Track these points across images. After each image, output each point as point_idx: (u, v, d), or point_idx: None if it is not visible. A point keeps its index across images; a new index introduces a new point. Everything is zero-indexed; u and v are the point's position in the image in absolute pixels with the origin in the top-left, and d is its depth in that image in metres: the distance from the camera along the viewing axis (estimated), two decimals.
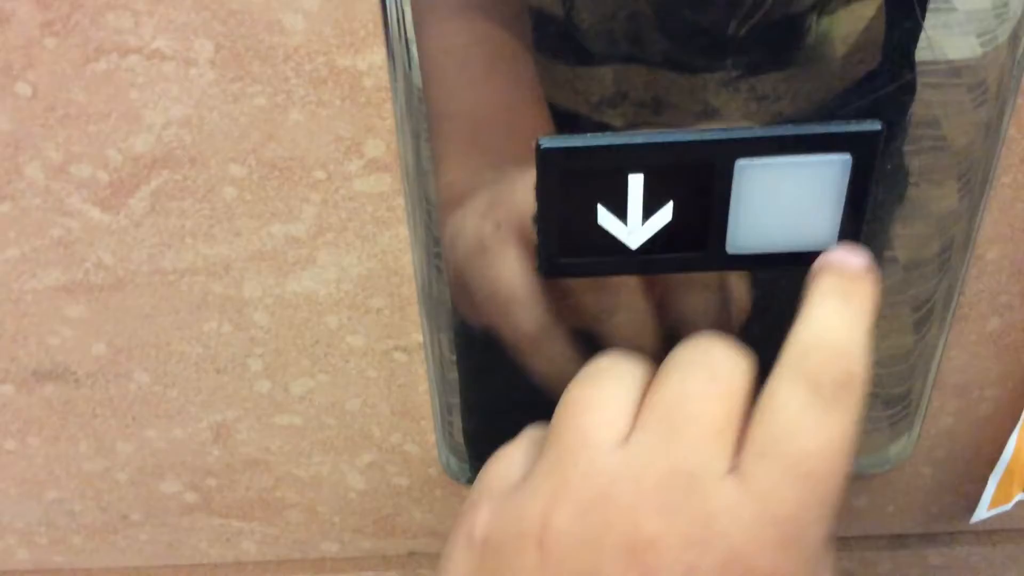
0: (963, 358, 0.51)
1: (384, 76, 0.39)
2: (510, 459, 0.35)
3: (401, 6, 0.37)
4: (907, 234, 0.45)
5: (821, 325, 0.32)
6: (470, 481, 0.53)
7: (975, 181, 0.44)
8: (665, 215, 0.41)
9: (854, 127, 0.40)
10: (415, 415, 0.51)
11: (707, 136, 0.40)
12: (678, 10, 0.37)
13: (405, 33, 0.37)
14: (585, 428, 0.31)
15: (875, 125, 0.40)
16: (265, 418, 0.51)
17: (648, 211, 0.41)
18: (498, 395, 0.49)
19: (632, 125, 0.42)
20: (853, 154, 0.40)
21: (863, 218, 0.42)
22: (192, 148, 0.41)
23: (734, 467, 0.29)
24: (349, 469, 0.53)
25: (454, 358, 0.48)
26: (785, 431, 0.29)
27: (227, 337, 0.47)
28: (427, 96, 0.39)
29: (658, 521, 0.28)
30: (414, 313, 0.46)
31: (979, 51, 0.40)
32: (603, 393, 0.32)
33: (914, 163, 0.44)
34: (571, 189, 0.41)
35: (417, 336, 0.47)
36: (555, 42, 0.38)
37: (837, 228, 0.42)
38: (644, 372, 0.33)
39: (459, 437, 0.51)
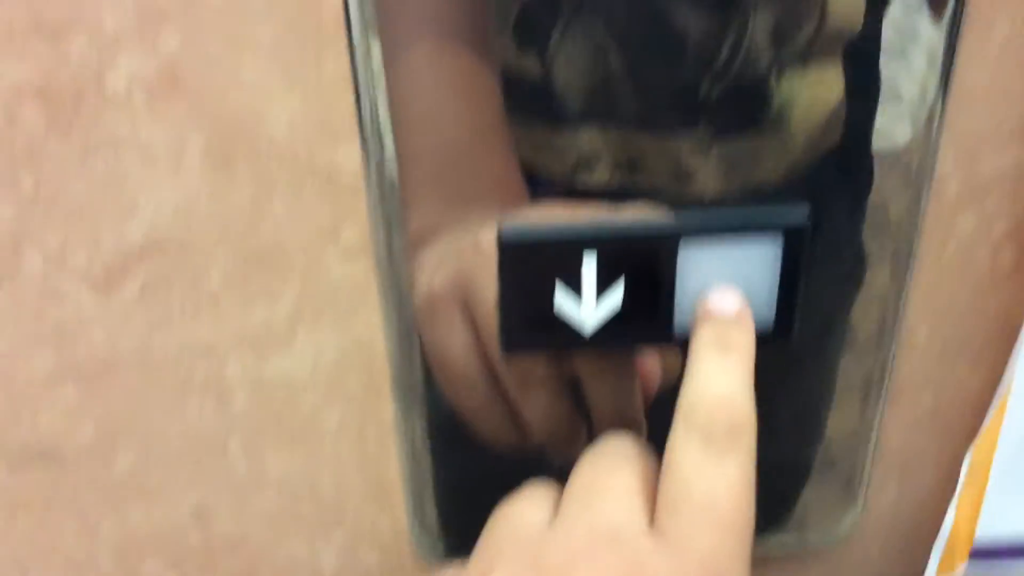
0: (901, 436, 0.54)
1: (360, 168, 0.43)
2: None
3: (374, 103, 0.41)
4: (844, 296, 0.49)
5: (704, 379, 0.35)
6: (442, 559, 0.55)
7: (902, 263, 0.48)
8: (616, 297, 0.45)
9: (784, 211, 0.44)
10: (388, 493, 0.53)
11: (653, 222, 0.43)
12: (653, 70, 0.40)
13: (378, 128, 0.41)
14: (514, 517, 0.34)
15: (803, 209, 0.43)
16: (243, 498, 0.53)
17: (600, 292, 0.45)
18: (471, 473, 0.52)
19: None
20: (784, 237, 0.44)
21: (797, 297, 0.46)
22: (181, 238, 0.44)
23: (652, 523, 0.32)
24: (323, 548, 0.55)
25: (426, 437, 0.51)
26: (688, 482, 0.32)
27: (209, 418, 0.50)
28: (399, 146, 0.41)
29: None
30: (388, 393, 0.49)
31: (910, 135, 0.44)
32: (526, 494, 0.35)
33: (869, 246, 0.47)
34: (529, 273, 0.44)
35: (390, 416, 0.50)
36: (532, 102, 0.40)
37: (774, 309, 0.46)
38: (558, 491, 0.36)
39: (431, 515, 0.54)
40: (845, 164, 0.44)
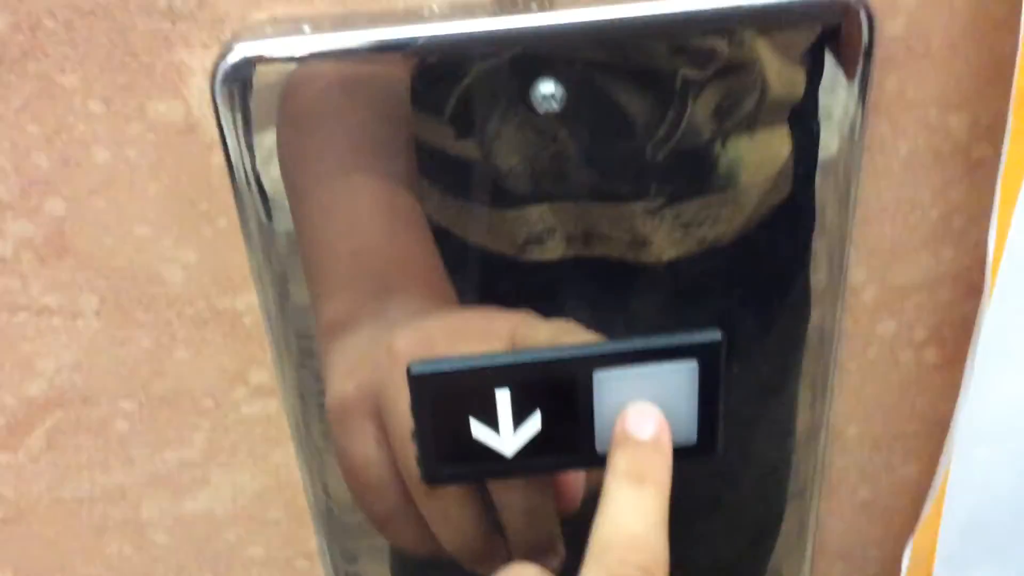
0: (840, 526, 0.53)
1: (260, 314, 0.42)
2: None
3: (266, 253, 0.40)
4: (766, 395, 0.48)
5: (618, 515, 0.34)
6: None
7: (824, 367, 0.47)
8: (534, 425, 0.44)
9: (697, 337, 0.43)
10: None
11: (564, 354, 0.43)
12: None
13: (272, 275, 0.40)
14: None
15: (715, 335, 0.43)
16: None
17: (518, 422, 0.44)
18: None
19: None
20: (699, 360, 0.43)
21: (718, 415, 0.45)
22: (83, 389, 0.43)
23: None
24: None
25: (350, 565, 0.50)
26: None
27: (129, 558, 0.49)
28: (301, 244, 0.39)
29: None
30: (310, 524, 0.48)
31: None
32: None
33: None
34: (444, 407, 0.43)
35: (315, 541, 0.49)
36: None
37: (695, 425, 0.45)
38: None
39: None
40: (794, 211, 0.43)
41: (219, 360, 0.43)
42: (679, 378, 0.43)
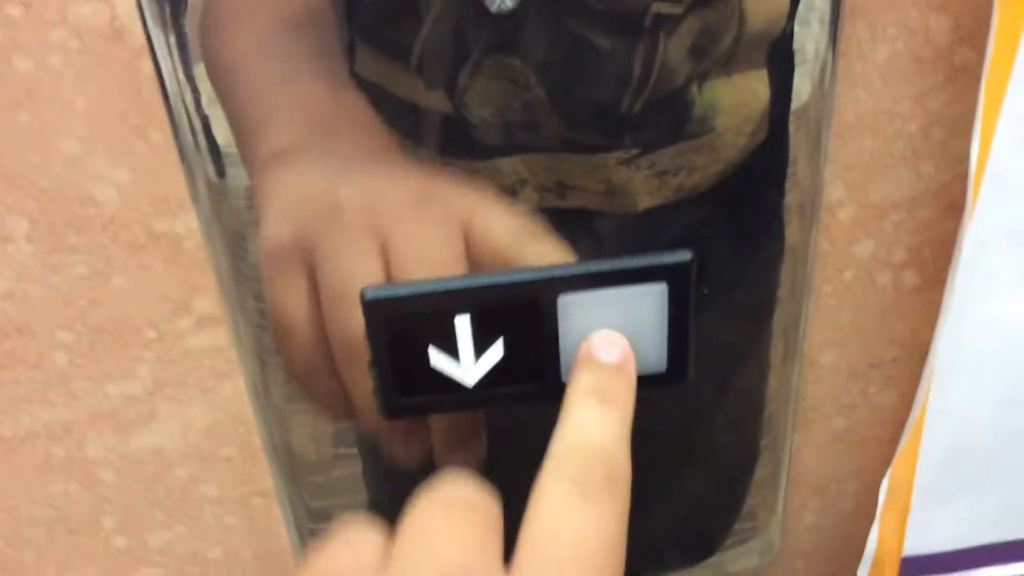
0: (815, 457, 0.52)
1: (201, 238, 0.39)
2: None
3: (204, 171, 0.37)
4: (741, 323, 0.46)
5: (583, 428, 0.32)
6: None
7: (799, 289, 0.45)
8: (496, 353, 0.42)
9: (667, 258, 0.41)
10: (280, 558, 0.50)
11: (527, 276, 0.40)
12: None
13: (212, 194, 0.38)
14: (333, 566, 0.30)
15: (685, 255, 0.41)
16: (126, 574, 0.50)
17: (479, 350, 0.42)
18: None
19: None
20: (669, 283, 0.41)
21: (688, 341, 0.43)
22: (17, 319, 0.41)
23: (510, 566, 0.29)
24: None
25: (311, 501, 0.48)
26: (555, 528, 0.29)
27: (76, 497, 0.47)
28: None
29: None
30: (264, 457, 0.46)
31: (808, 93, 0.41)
32: (345, 539, 0.31)
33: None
34: (401, 335, 0.41)
35: (270, 479, 0.47)
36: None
37: (665, 352, 0.43)
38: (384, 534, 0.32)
39: None
40: (772, 153, 0.41)
41: (160, 288, 0.41)
42: (648, 301, 0.41)
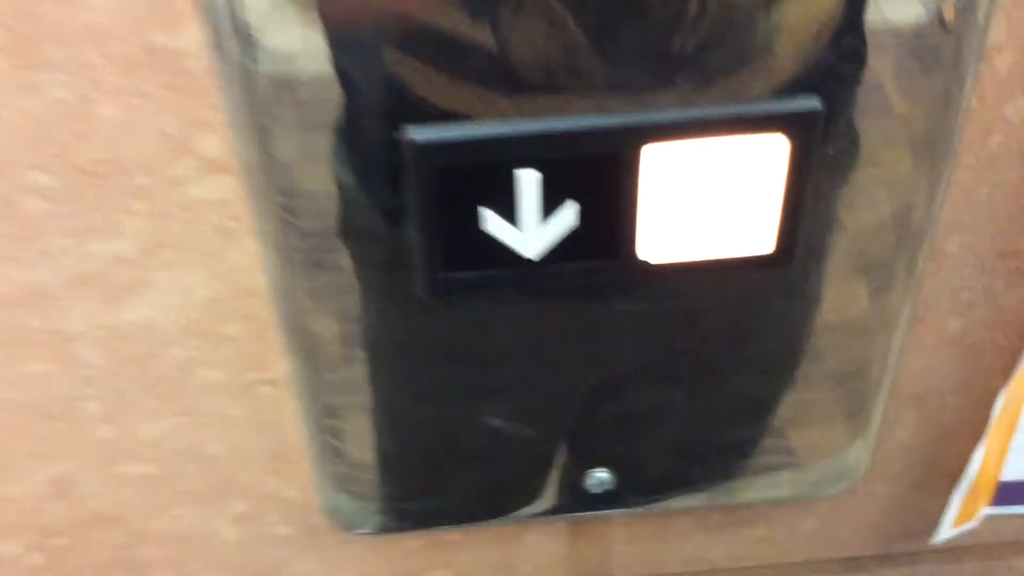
0: (921, 363, 0.44)
1: (212, 59, 0.31)
2: None
3: None
4: (856, 198, 0.38)
5: None
6: (362, 527, 0.45)
7: (934, 154, 0.37)
8: (567, 217, 0.34)
9: (791, 105, 0.33)
10: (290, 456, 0.43)
11: (610, 122, 0.32)
12: (615, 34, 0.31)
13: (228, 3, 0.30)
14: None
15: (814, 103, 0.33)
16: (112, 468, 0.43)
17: (546, 213, 0.34)
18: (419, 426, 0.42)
19: None
20: (790, 136, 0.33)
21: (802, 211, 0.35)
22: None
23: None
24: (218, 520, 0.45)
25: (329, 394, 0.40)
26: None
27: (53, 378, 0.39)
28: None
29: None
30: (276, 339, 0.39)
31: (923, 16, 0.33)
32: None
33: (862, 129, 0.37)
34: (453, 190, 0.33)
35: (283, 365, 0.40)
36: (490, 75, 0.32)
37: (776, 227, 0.35)
38: None
39: (346, 478, 0.44)
40: (835, 58, 0.34)
41: (157, 120, 0.33)
42: (763, 160, 0.33)
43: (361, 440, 0.42)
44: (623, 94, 0.33)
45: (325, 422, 0.42)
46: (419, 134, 0.32)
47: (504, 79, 0.32)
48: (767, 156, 0.33)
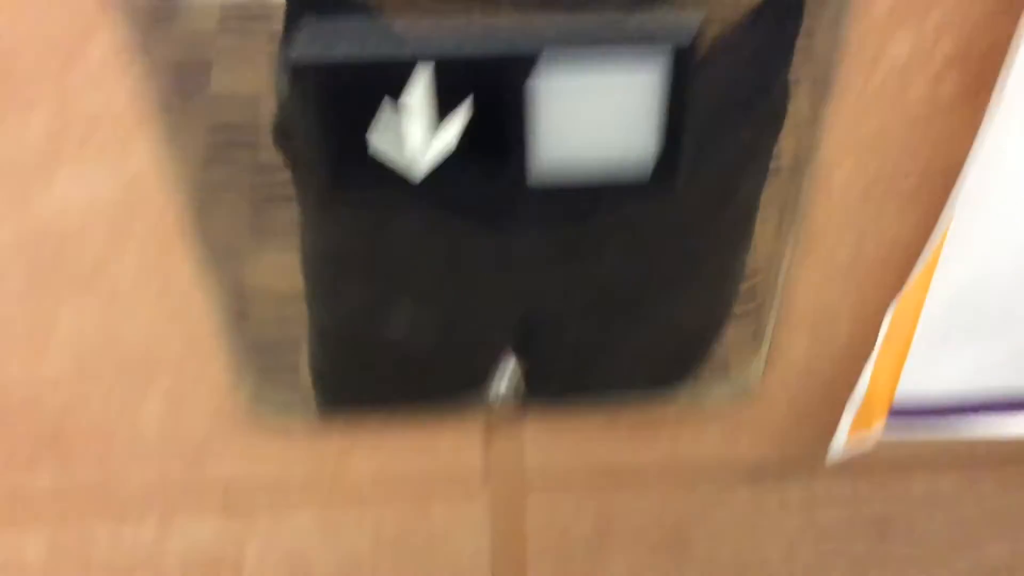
0: (810, 292, 0.46)
1: None
2: None
3: None
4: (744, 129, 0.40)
5: None
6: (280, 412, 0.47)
7: (821, 90, 0.38)
8: (450, 134, 0.35)
9: (670, 23, 0.34)
10: (209, 345, 0.45)
11: (499, 36, 0.33)
12: None
13: None
14: None
15: (694, 21, 0.34)
16: (31, 356, 0.45)
17: (432, 129, 0.35)
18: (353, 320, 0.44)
19: None
20: (671, 58, 0.34)
21: (681, 137, 0.36)
22: None
23: None
24: (138, 411, 0.47)
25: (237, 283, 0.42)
26: None
27: None
28: None
29: None
30: (179, 236, 0.40)
31: None
32: None
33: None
34: (339, 102, 0.34)
35: (190, 263, 0.42)
36: None
37: (653, 148, 0.36)
38: None
39: (265, 365, 0.46)
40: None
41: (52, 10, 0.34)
42: (643, 82, 0.34)
43: (281, 326, 0.44)
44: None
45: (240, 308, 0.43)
46: (297, 52, 0.33)
47: None
48: (645, 78, 0.34)
